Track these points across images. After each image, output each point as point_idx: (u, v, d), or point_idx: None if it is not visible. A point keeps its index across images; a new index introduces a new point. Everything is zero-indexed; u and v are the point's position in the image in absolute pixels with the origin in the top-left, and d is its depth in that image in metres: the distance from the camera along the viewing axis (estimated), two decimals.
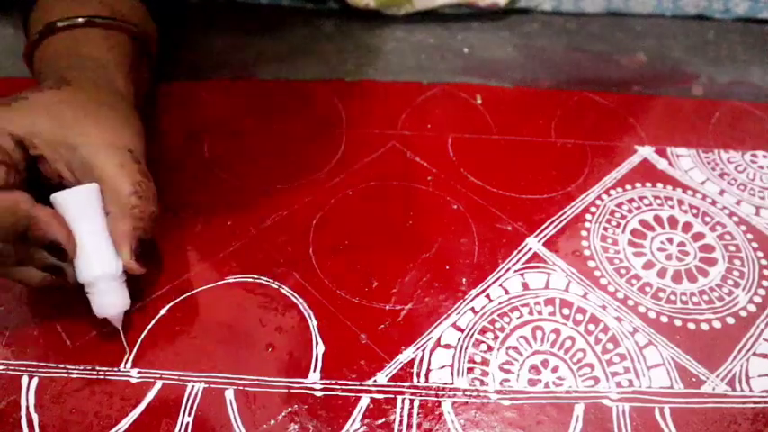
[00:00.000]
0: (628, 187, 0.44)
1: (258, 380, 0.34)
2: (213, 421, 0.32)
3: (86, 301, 0.34)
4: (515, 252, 0.40)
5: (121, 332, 0.34)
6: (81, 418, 0.32)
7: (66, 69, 0.37)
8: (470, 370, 0.34)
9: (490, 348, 0.35)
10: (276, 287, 0.37)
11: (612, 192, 0.43)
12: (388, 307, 0.37)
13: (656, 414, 0.33)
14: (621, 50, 0.55)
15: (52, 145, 0.33)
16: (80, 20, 0.40)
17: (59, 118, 0.34)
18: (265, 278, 0.38)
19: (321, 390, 0.33)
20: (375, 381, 0.34)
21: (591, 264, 0.39)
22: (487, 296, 0.37)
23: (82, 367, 0.34)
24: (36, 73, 0.41)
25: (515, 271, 0.39)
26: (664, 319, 0.37)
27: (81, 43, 0.39)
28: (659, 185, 0.44)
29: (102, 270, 0.33)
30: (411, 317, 0.36)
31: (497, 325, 0.36)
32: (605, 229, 0.41)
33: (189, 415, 0.32)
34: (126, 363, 0.34)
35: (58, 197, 0.32)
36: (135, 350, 0.34)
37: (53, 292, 0.36)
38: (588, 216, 0.42)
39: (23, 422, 0.32)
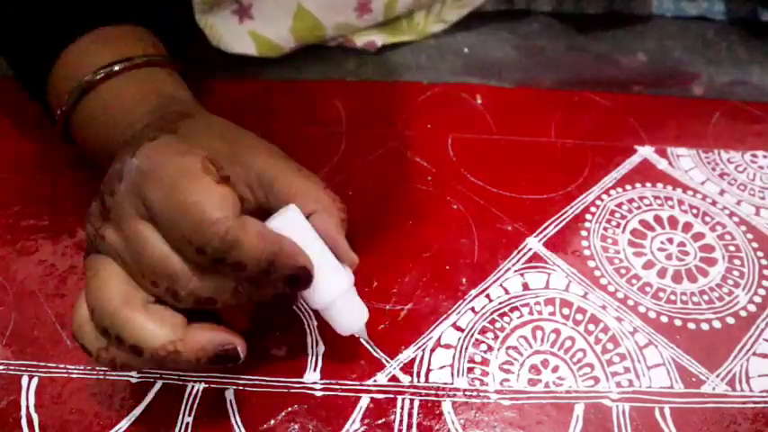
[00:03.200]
0: (628, 187, 0.44)
1: (258, 380, 0.34)
2: (213, 421, 0.32)
3: None
4: (515, 252, 0.40)
5: (371, 342, 0.34)
6: (81, 418, 0.32)
7: (169, 107, 0.33)
8: (470, 370, 0.34)
9: (490, 348, 0.35)
10: None
11: (612, 192, 0.43)
12: (388, 307, 0.37)
13: (656, 414, 0.33)
14: (621, 50, 0.55)
15: (228, 166, 0.29)
16: (138, 60, 0.35)
17: (225, 138, 0.31)
18: None
19: (321, 390, 0.33)
20: (375, 381, 0.34)
21: (591, 264, 0.39)
22: (487, 296, 0.37)
23: (82, 367, 0.34)
24: (91, 127, 0.35)
25: (515, 271, 0.39)
26: (664, 319, 0.37)
27: (157, 83, 0.35)
28: (659, 185, 0.44)
29: (340, 286, 0.30)
30: (411, 317, 0.36)
31: (497, 325, 0.36)
32: (605, 229, 0.41)
33: (189, 415, 0.32)
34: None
35: (275, 225, 0.29)
36: None
37: (54, 290, 0.36)
38: (588, 216, 0.42)
39: (23, 422, 0.32)
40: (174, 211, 0.26)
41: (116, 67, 0.35)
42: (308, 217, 0.30)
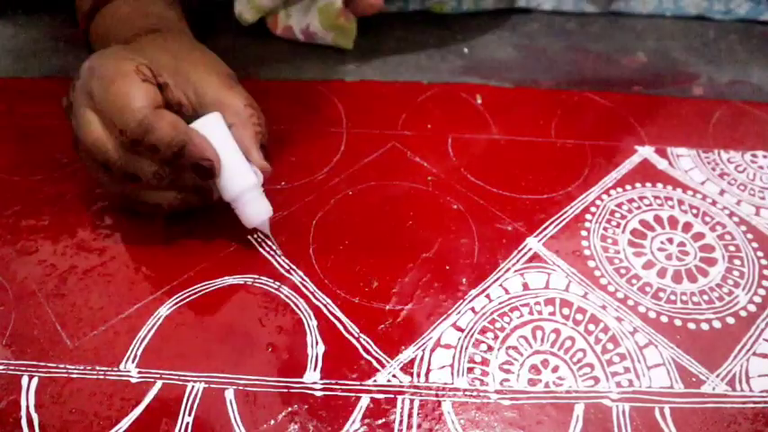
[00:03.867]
0: (628, 187, 0.44)
1: (258, 380, 0.34)
2: (213, 421, 0.32)
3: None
4: (515, 252, 0.40)
5: (271, 237, 0.39)
6: (81, 417, 0.32)
7: (146, 24, 0.41)
8: (470, 370, 0.34)
9: (490, 348, 0.35)
10: (276, 287, 0.37)
11: (612, 192, 0.43)
12: (388, 307, 0.37)
13: (656, 414, 0.33)
14: (621, 50, 0.55)
15: (171, 75, 0.36)
16: None
17: (172, 52, 0.38)
18: (265, 278, 0.38)
19: (321, 390, 0.33)
20: (375, 381, 0.34)
21: (591, 264, 0.39)
22: (487, 296, 0.37)
23: (82, 367, 0.34)
24: (100, 36, 0.44)
25: (515, 271, 0.39)
26: (664, 319, 0.37)
27: (145, 4, 0.43)
28: (659, 185, 0.44)
29: (246, 182, 0.36)
30: (411, 317, 0.36)
31: (497, 325, 0.36)
32: (605, 229, 0.41)
33: (189, 415, 0.32)
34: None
35: (197, 125, 0.35)
36: (135, 350, 0.34)
37: (54, 290, 0.36)
38: (588, 216, 0.42)
39: (23, 422, 0.32)
40: (107, 100, 0.33)
41: None
42: (229, 127, 0.36)
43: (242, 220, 0.37)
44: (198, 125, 0.35)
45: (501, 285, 0.38)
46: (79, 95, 0.34)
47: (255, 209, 0.37)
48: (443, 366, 0.34)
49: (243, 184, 0.36)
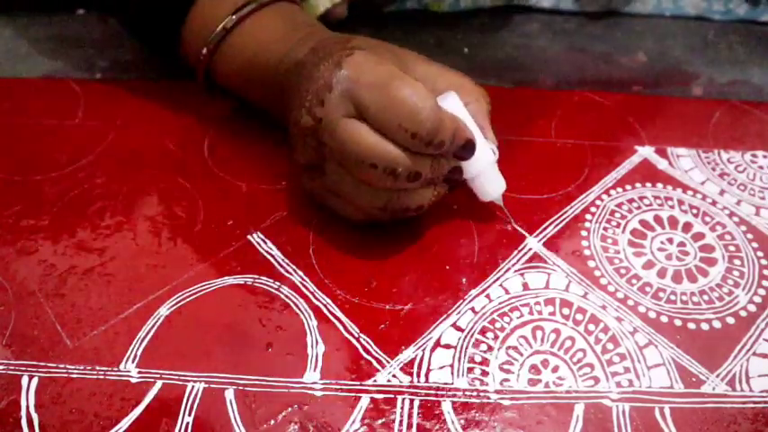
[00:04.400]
0: (628, 187, 0.44)
1: (258, 380, 0.34)
2: (213, 421, 0.32)
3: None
4: (515, 252, 0.40)
5: (506, 210, 0.40)
6: (81, 417, 0.32)
7: (310, 32, 0.40)
8: (470, 370, 0.34)
9: (490, 348, 0.35)
10: (276, 287, 0.37)
11: (612, 192, 0.43)
12: (388, 307, 0.37)
13: (656, 414, 0.33)
14: (621, 50, 0.55)
15: (404, 71, 0.35)
16: None
17: (391, 51, 0.37)
18: (265, 278, 0.38)
19: (321, 390, 0.33)
20: (375, 381, 0.34)
21: (591, 264, 0.39)
22: (487, 296, 0.37)
23: (82, 367, 0.34)
24: (236, 56, 0.42)
25: (515, 271, 0.39)
26: (664, 319, 0.37)
27: (296, 13, 0.43)
28: (659, 185, 0.44)
29: (488, 158, 0.37)
30: (411, 317, 0.36)
31: (497, 325, 0.36)
32: (605, 229, 0.41)
33: (189, 415, 0.32)
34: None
35: (445, 103, 0.36)
36: (135, 350, 0.34)
37: (54, 290, 0.36)
38: (588, 216, 0.42)
39: (23, 422, 0.32)
40: (388, 106, 0.33)
41: (253, 5, 0.41)
42: (466, 105, 0.37)
43: (480, 194, 0.39)
44: (446, 103, 0.36)
45: (501, 285, 0.38)
46: (338, 107, 0.33)
47: (495, 183, 0.39)
48: (443, 366, 0.34)
49: (486, 160, 0.37)
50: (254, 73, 0.41)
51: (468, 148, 0.36)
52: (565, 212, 0.42)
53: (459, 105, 0.36)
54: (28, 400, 0.32)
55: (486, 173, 0.38)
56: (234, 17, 0.41)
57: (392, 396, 0.33)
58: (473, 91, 0.38)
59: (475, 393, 0.33)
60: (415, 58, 0.38)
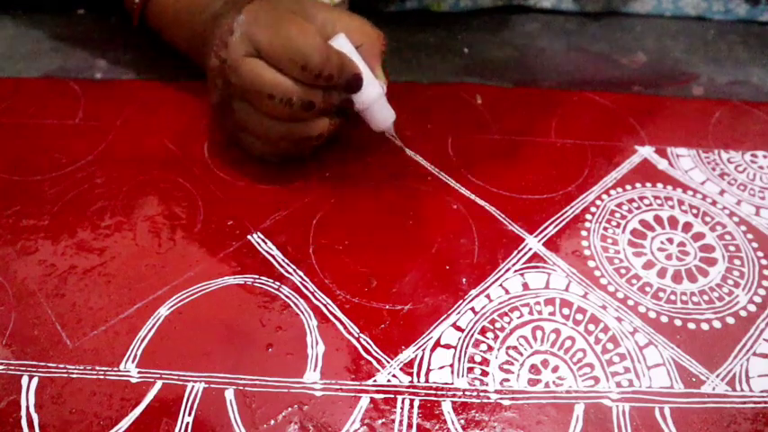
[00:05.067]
0: (628, 187, 0.44)
1: (258, 380, 0.34)
2: (213, 421, 0.32)
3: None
4: (515, 252, 0.40)
5: (397, 136, 0.44)
6: (81, 417, 0.32)
7: None
8: (470, 370, 0.34)
9: (490, 348, 0.35)
10: (276, 287, 0.37)
11: (612, 192, 0.43)
12: (388, 307, 0.37)
13: (656, 414, 0.33)
14: (621, 50, 0.55)
15: (303, 17, 0.39)
16: None
17: (295, 1, 0.40)
18: (265, 278, 0.38)
19: (321, 390, 0.33)
20: (375, 381, 0.34)
21: (591, 264, 0.39)
22: (487, 296, 0.37)
23: (82, 367, 0.34)
24: (165, 7, 0.46)
25: (515, 271, 0.39)
26: (664, 319, 0.37)
27: None
28: (659, 185, 0.44)
29: (377, 91, 0.40)
30: (411, 317, 0.36)
31: (497, 325, 0.36)
32: (605, 229, 0.41)
33: (189, 415, 0.32)
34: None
35: (335, 43, 0.39)
36: (135, 350, 0.34)
37: (54, 290, 0.36)
38: (588, 216, 0.42)
39: (23, 422, 0.32)
40: (282, 43, 0.37)
41: None
42: (357, 47, 0.40)
43: (372, 124, 0.42)
44: (337, 42, 0.39)
45: (501, 285, 0.38)
46: (239, 48, 0.37)
47: (385, 114, 0.42)
48: (443, 366, 0.34)
49: (374, 92, 0.40)
50: (181, 22, 0.45)
51: (354, 82, 0.39)
52: (565, 212, 0.42)
53: (347, 45, 0.40)
54: (28, 400, 0.32)
55: (374, 105, 0.41)
56: None
57: (392, 396, 0.33)
58: (368, 33, 0.41)
59: (475, 393, 0.33)
60: (319, 6, 0.41)
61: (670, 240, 0.41)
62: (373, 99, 0.41)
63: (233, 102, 0.39)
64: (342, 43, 0.40)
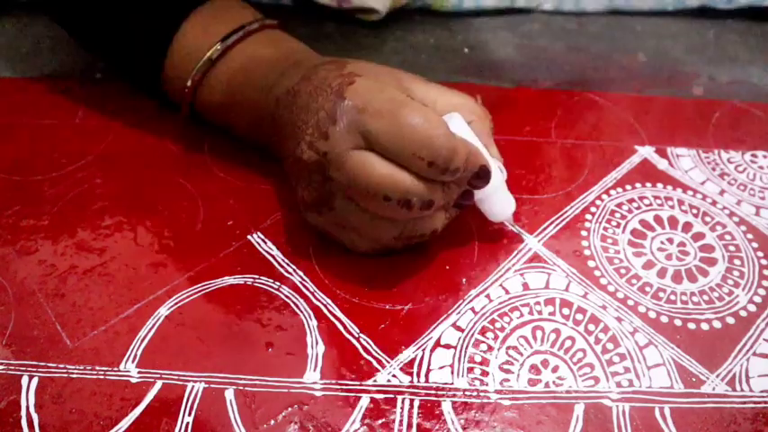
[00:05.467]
0: (628, 187, 0.44)
1: (258, 380, 0.34)
2: (213, 421, 0.32)
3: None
4: (515, 252, 0.40)
5: (516, 227, 0.40)
6: (81, 417, 0.32)
7: (303, 58, 0.39)
8: (470, 370, 0.34)
9: (490, 348, 0.35)
10: (276, 287, 0.37)
11: (612, 192, 0.43)
12: (388, 307, 0.37)
13: (656, 414, 0.33)
14: (621, 50, 0.55)
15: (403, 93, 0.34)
16: (256, 25, 0.41)
17: (389, 74, 0.36)
18: (265, 278, 0.38)
19: (321, 390, 0.33)
20: (375, 381, 0.34)
21: (591, 264, 0.39)
22: (488, 296, 0.37)
23: (82, 367, 0.34)
24: (223, 87, 0.40)
25: (515, 271, 0.39)
26: (664, 319, 0.37)
27: (285, 40, 0.42)
28: (659, 185, 0.44)
29: (498, 180, 0.36)
30: (411, 317, 0.36)
31: (497, 325, 0.36)
32: (605, 229, 0.41)
33: (189, 415, 0.32)
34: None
35: (451, 126, 0.34)
36: (135, 350, 0.34)
37: (54, 290, 0.36)
38: (588, 216, 0.42)
39: (23, 422, 0.32)
40: (401, 134, 0.31)
41: (239, 34, 0.40)
42: (469, 124, 0.36)
43: (490, 215, 0.38)
44: (452, 124, 0.34)
45: (501, 285, 0.38)
46: (345, 140, 0.32)
47: (505, 204, 0.38)
48: (443, 366, 0.34)
49: (495, 181, 0.36)
50: (242, 104, 0.40)
51: (482, 175, 0.34)
52: (565, 212, 0.42)
53: (464, 127, 0.35)
54: (28, 400, 0.32)
55: (495, 194, 0.37)
56: (219, 47, 0.39)
57: (392, 396, 0.33)
58: (474, 110, 0.37)
59: (475, 393, 0.33)
60: (413, 79, 0.37)
61: (670, 240, 0.41)
62: (494, 189, 0.36)
63: (335, 200, 0.34)
64: (458, 124, 0.35)
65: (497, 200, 0.37)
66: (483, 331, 0.36)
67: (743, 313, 0.37)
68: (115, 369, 0.34)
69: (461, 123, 0.35)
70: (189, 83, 0.40)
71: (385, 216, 0.34)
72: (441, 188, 0.34)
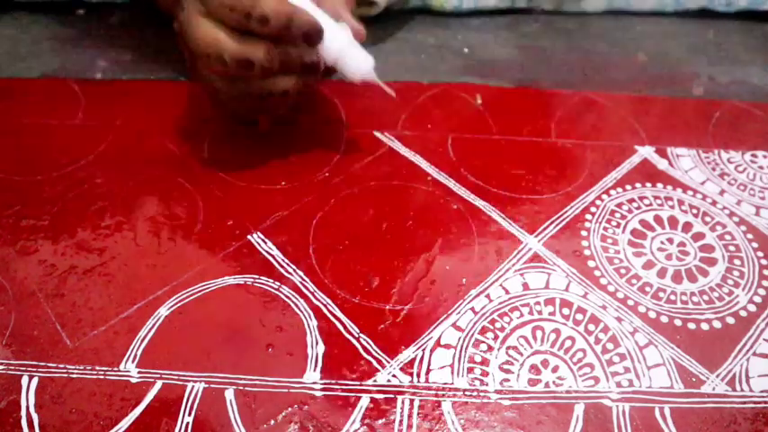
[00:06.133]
0: (628, 187, 0.44)
1: (258, 380, 0.34)
2: (213, 421, 0.32)
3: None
4: (515, 252, 0.40)
5: (382, 84, 0.40)
6: (81, 417, 0.32)
7: None
8: (470, 370, 0.34)
9: (490, 348, 0.35)
10: (276, 287, 0.37)
11: (612, 192, 0.43)
12: (388, 307, 0.37)
13: (656, 414, 0.33)
14: (621, 50, 0.55)
15: None
16: None
17: None
18: (265, 278, 0.38)
19: (321, 390, 0.33)
20: (375, 381, 0.34)
21: (591, 264, 0.39)
22: (487, 296, 0.37)
23: (82, 367, 0.34)
24: None
25: (515, 271, 0.39)
26: (664, 319, 0.37)
27: None
28: (659, 185, 0.44)
29: (343, 39, 0.38)
30: (411, 317, 0.36)
31: (497, 325, 0.36)
32: (605, 229, 0.41)
33: (189, 415, 0.32)
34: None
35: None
36: (135, 350, 0.34)
37: (54, 290, 0.36)
38: (588, 216, 0.42)
39: (23, 422, 0.32)
40: None
41: None
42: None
43: (348, 75, 0.39)
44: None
45: (501, 285, 0.38)
46: (190, 8, 0.36)
47: (359, 61, 0.39)
48: (443, 366, 0.34)
49: (340, 40, 0.38)
50: None
51: (311, 32, 0.37)
52: (565, 212, 0.42)
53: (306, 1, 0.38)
54: (28, 400, 0.32)
55: (344, 54, 0.38)
56: None
57: (392, 396, 0.33)
58: None
59: (475, 393, 0.33)
60: None
61: (670, 240, 0.41)
62: (339, 48, 0.38)
63: (193, 62, 0.38)
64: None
65: (350, 58, 0.39)
66: (483, 331, 0.36)
67: (743, 313, 0.37)
68: (115, 369, 0.34)
69: None
70: None
71: (211, 73, 0.37)
72: (262, 48, 0.36)
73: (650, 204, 0.43)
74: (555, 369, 0.34)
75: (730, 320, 0.37)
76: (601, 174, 0.44)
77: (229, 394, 0.33)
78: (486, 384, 0.34)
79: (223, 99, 0.39)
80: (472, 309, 0.37)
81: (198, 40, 0.36)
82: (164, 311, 0.36)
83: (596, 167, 0.45)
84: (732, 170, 0.45)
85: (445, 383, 0.34)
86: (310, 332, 0.35)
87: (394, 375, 0.34)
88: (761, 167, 0.45)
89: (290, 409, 0.32)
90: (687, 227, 0.41)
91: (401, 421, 0.32)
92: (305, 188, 0.42)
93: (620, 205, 0.43)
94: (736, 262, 0.40)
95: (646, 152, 0.46)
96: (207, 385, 0.33)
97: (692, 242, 0.41)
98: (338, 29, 0.38)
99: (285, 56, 0.37)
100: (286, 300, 0.37)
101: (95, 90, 0.49)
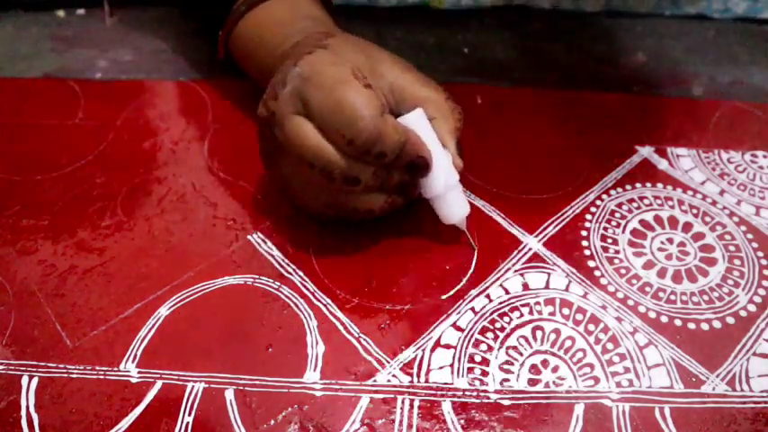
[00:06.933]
0: (628, 187, 0.44)
1: (258, 380, 0.34)
2: (213, 421, 0.32)
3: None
4: (515, 252, 0.40)
5: (468, 234, 0.39)
6: (81, 417, 0.32)
7: (308, 26, 0.40)
8: (470, 370, 0.34)
9: (490, 348, 0.35)
10: (276, 287, 0.37)
11: (612, 192, 0.43)
12: (388, 307, 0.37)
13: (656, 414, 0.33)
14: (621, 50, 0.55)
15: (370, 76, 0.35)
16: None
17: (365, 52, 0.36)
18: (265, 278, 0.38)
19: (321, 390, 0.33)
20: (375, 381, 0.34)
21: (591, 264, 0.39)
22: (487, 296, 0.37)
23: (82, 367, 0.34)
24: (245, 46, 0.43)
25: (515, 271, 0.39)
26: (664, 319, 0.37)
27: (300, 6, 0.43)
28: (659, 185, 0.44)
29: (451, 180, 0.36)
30: (411, 317, 0.36)
31: (497, 325, 0.36)
32: (605, 228, 0.41)
33: (189, 415, 0.32)
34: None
35: (406, 120, 0.35)
36: (135, 350, 0.34)
37: (54, 290, 0.36)
38: (588, 216, 0.42)
39: (23, 422, 0.32)
40: (331, 109, 0.33)
41: None
42: (430, 120, 0.36)
43: (442, 216, 0.38)
44: (406, 121, 0.35)
45: (501, 285, 0.38)
46: (288, 104, 0.34)
47: (458, 206, 0.37)
48: (443, 366, 0.34)
49: (449, 181, 0.36)
50: (258, 58, 0.42)
51: (417, 167, 0.35)
52: (565, 212, 0.42)
53: (422, 121, 0.35)
54: (28, 400, 0.32)
55: (449, 194, 0.37)
56: (243, 6, 0.43)
57: (392, 396, 0.33)
58: (440, 107, 0.37)
59: (475, 393, 0.33)
60: (392, 63, 0.37)
61: (670, 240, 0.41)
62: (444, 189, 0.36)
63: (279, 157, 0.36)
64: (415, 118, 0.35)
65: (448, 201, 0.37)
66: (483, 331, 0.36)
67: (743, 313, 0.37)
68: (115, 369, 0.34)
69: (419, 118, 0.35)
70: (220, 33, 0.44)
71: (312, 182, 0.35)
72: (371, 169, 0.34)
73: (650, 204, 0.43)
74: (555, 369, 0.34)
75: (730, 320, 0.37)
76: (601, 174, 0.44)
77: (229, 394, 0.33)
78: (486, 384, 0.34)
79: (298, 195, 0.37)
80: (472, 309, 0.37)
81: (302, 144, 0.33)
82: (164, 311, 0.36)
83: (596, 167, 0.45)
84: (732, 170, 0.45)
85: (445, 383, 0.34)
86: (310, 332, 0.35)
87: (394, 375, 0.34)
88: (761, 167, 0.45)
89: (289, 409, 0.32)
90: (687, 227, 0.41)
91: (401, 421, 0.32)
92: None
93: (620, 205, 0.43)
94: (737, 262, 0.40)
95: (646, 152, 0.46)
96: (207, 385, 0.33)
97: (692, 242, 0.41)
98: (448, 166, 0.36)
99: (388, 177, 0.35)
100: (286, 300, 0.37)
101: (95, 90, 0.49)
